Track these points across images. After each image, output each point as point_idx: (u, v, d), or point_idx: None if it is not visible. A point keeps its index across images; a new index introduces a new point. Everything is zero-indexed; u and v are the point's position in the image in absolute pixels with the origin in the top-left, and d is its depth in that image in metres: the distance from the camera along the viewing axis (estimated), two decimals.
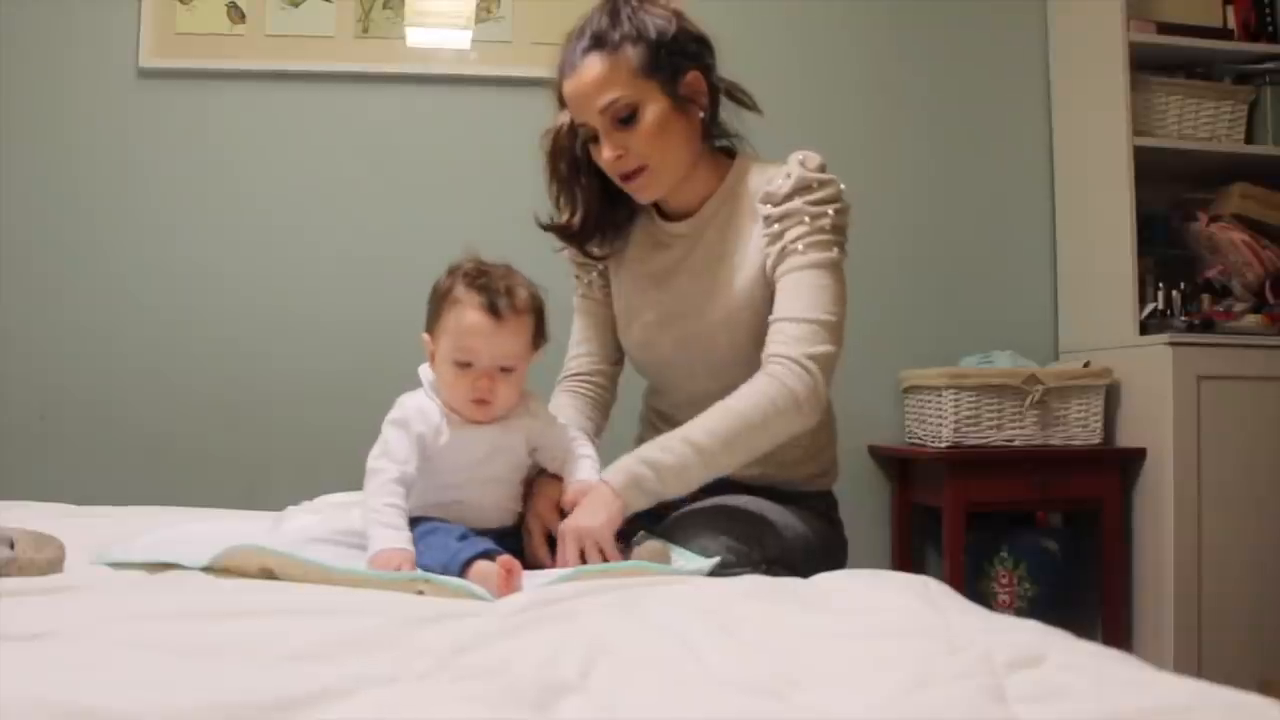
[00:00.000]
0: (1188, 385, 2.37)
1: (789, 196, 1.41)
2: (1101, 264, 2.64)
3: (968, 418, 2.47)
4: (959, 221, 2.85)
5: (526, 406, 1.34)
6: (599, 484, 1.28)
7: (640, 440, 1.57)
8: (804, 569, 1.22)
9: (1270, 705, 0.64)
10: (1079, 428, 2.51)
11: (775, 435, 1.35)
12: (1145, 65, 2.57)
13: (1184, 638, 2.33)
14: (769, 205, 1.43)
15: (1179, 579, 2.34)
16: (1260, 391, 2.40)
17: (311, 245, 2.67)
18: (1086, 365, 2.57)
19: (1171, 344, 2.39)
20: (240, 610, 0.92)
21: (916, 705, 0.67)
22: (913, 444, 2.66)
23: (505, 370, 1.27)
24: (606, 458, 1.37)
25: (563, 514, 1.30)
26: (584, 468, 1.34)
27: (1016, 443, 2.49)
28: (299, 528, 1.39)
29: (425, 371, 1.33)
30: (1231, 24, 2.67)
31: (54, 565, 1.12)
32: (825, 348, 1.36)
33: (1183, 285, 2.57)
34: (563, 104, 1.47)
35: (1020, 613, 2.49)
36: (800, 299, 1.38)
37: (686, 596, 1.01)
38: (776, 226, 1.42)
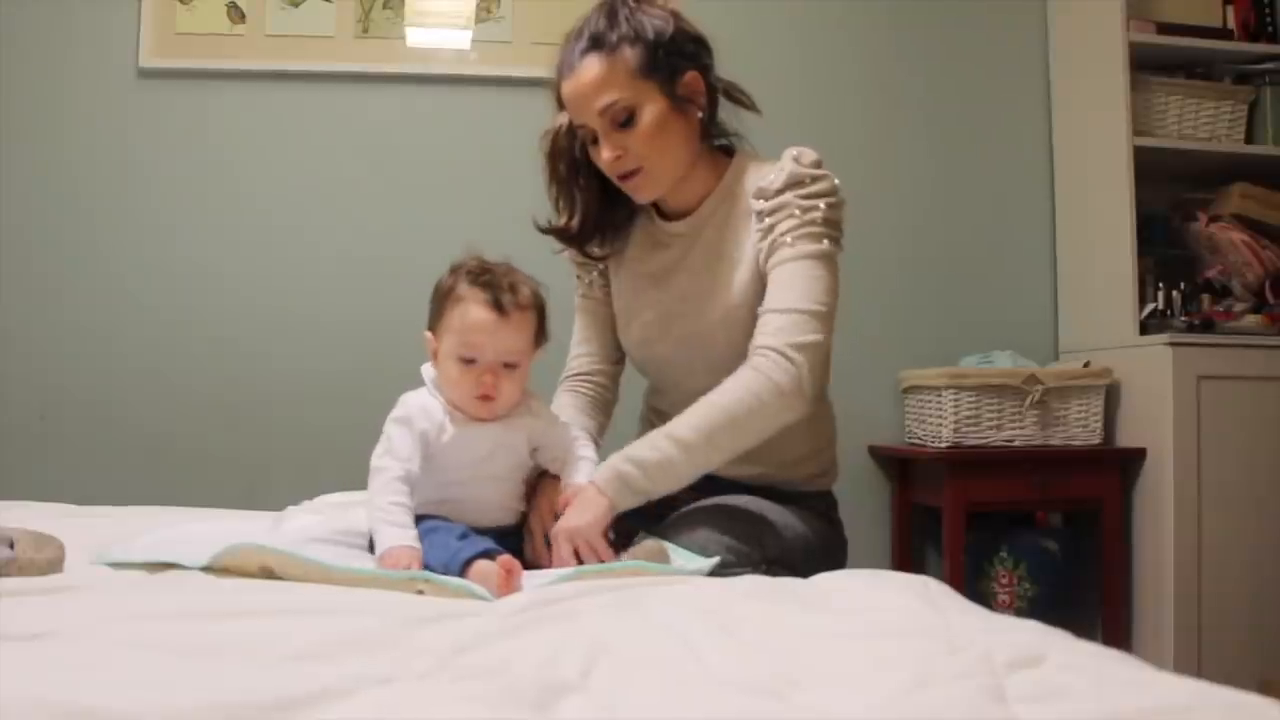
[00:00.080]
0: (1188, 385, 2.37)
1: (781, 191, 1.42)
2: (1101, 264, 2.64)
3: (968, 418, 2.47)
4: (959, 221, 2.85)
5: (528, 406, 1.34)
6: (586, 485, 1.29)
7: None
8: (804, 569, 1.22)
9: (1270, 705, 0.64)
10: (1079, 428, 2.51)
11: (761, 427, 1.34)
12: (1145, 65, 2.57)
13: (1184, 638, 2.33)
14: (762, 200, 1.43)
15: (1179, 579, 2.34)
16: (1260, 391, 2.40)
17: (311, 245, 2.67)
18: (1086, 365, 2.57)
19: (1171, 344, 2.39)
20: (240, 610, 0.92)
21: (916, 705, 0.67)
22: (913, 444, 2.66)
23: (509, 366, 1.28)
24: (609, 458, 1.37)
25: (557, 518, 1.30)
26: (582, 470, 1.34)
27: (1016, 443, 2.49)
28: (299, 528, 1.39)
29: (428, 370, 1.35)
30: (1231, 24, 2.67)
31: (54, 565, 1.12)
32: (812, 337, 1.35)
33: (1183, 285, 2.57)
34: (561, 105, 1.47)
35: (1020, 613, 2.49)
36: (788, 290, 1.38)
37: (687, 596, 1.01)
38: (768, 221, 1.42)
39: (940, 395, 2.50)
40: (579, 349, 1.66)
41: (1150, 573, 2.42)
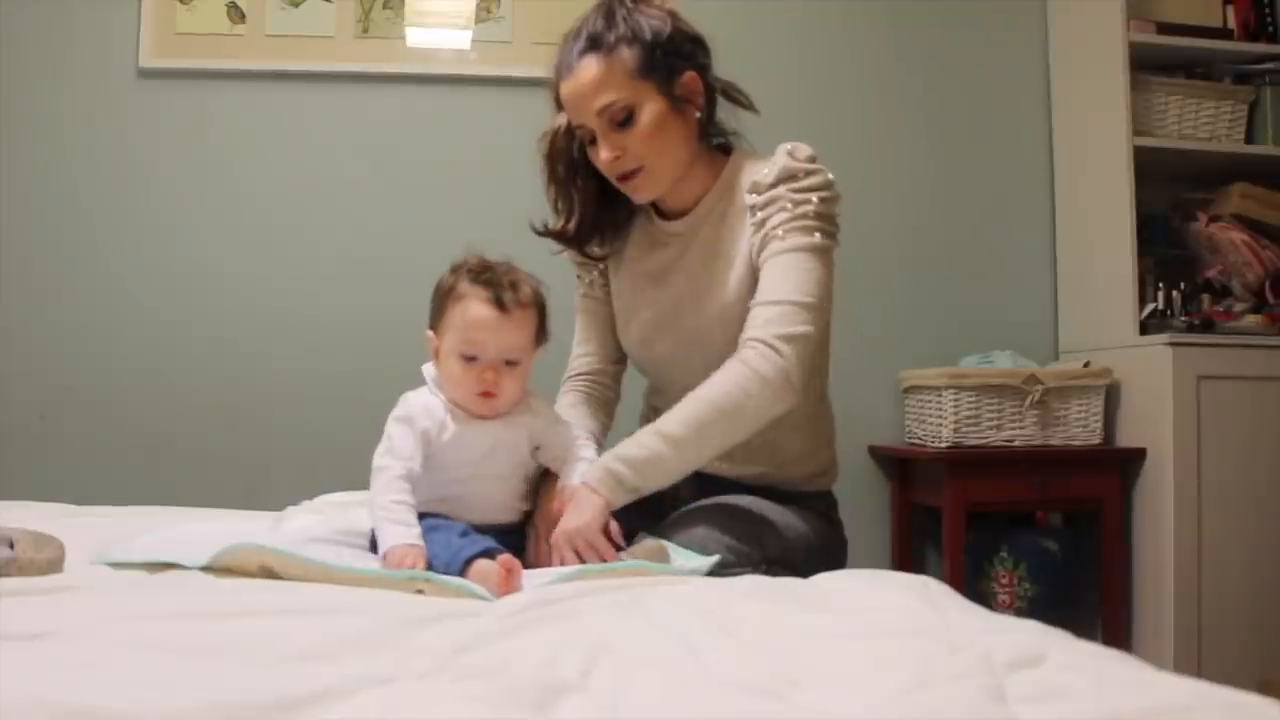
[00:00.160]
0: (1188, 385, 2.37)
1: (773, 185, 1.41)
2: (1101, 264, 2.64)
3: (968, 418, 2.47)
4: (959, 221, 2.85)
5: (529, 404, 1.35)
6: (579, 486, 1.29)
7: None
8: (804, 569, 1.22)
9: (1270, 705, 0.64)
10: (1079, 428, 2.51)
11: (749, 419, 1.33)
12: (1145, 65, 2.57)
13: (1184, 638, 2.33)
14: (755, 195, 1.43)
15: (1179, 579, 2.34)
16: (1260, 391, 2.40)
17: (311, 245, 2.67)
18: (1086, 365, 2.57)
19: (1171, 344, 2.39)
20: (240, 610, 0.92)
21: (916, 705, 0.67)
22: (913, 444, 2.66)
23: (510, 364, 1.29)
24: (600, 457, 1.37)
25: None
26: (579, 471, 1.34)
27: (1016, 443, 2.49)
28: (299, 527, 1.40)
29: (429, 369, 1.35)
30: (1231, 24, 2.66)
31: (54, 565, 1.12)
32: (800, 329, 1.34)
33: (1183, 285, 2.57)
34: (559, 106, 1.47)
35: (1020, 613, 2.49)
36: (777, 282, 1.38)
37: (687, 596, 1.01)
38: (760, 215, 1.42)
39: (940, 395, 2.50)
40: (580, 349, 1.66)
41: (1150, 573, 2.42)
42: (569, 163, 1.51)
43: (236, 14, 2.66)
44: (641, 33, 1.41)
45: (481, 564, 1.13)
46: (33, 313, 2.58)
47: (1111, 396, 2.55)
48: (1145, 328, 2.52)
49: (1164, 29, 2.59)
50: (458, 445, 1.29)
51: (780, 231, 1.39)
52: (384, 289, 2.62)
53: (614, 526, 1.27)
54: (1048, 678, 0.72)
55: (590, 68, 1.40)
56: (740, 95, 1.53)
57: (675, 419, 1.32)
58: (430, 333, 1.34)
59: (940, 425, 2.49)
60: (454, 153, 2.71)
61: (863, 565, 1.29)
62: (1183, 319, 2.49)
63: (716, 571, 1.22)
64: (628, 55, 1.40)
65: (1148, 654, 1.93)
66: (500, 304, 1.28)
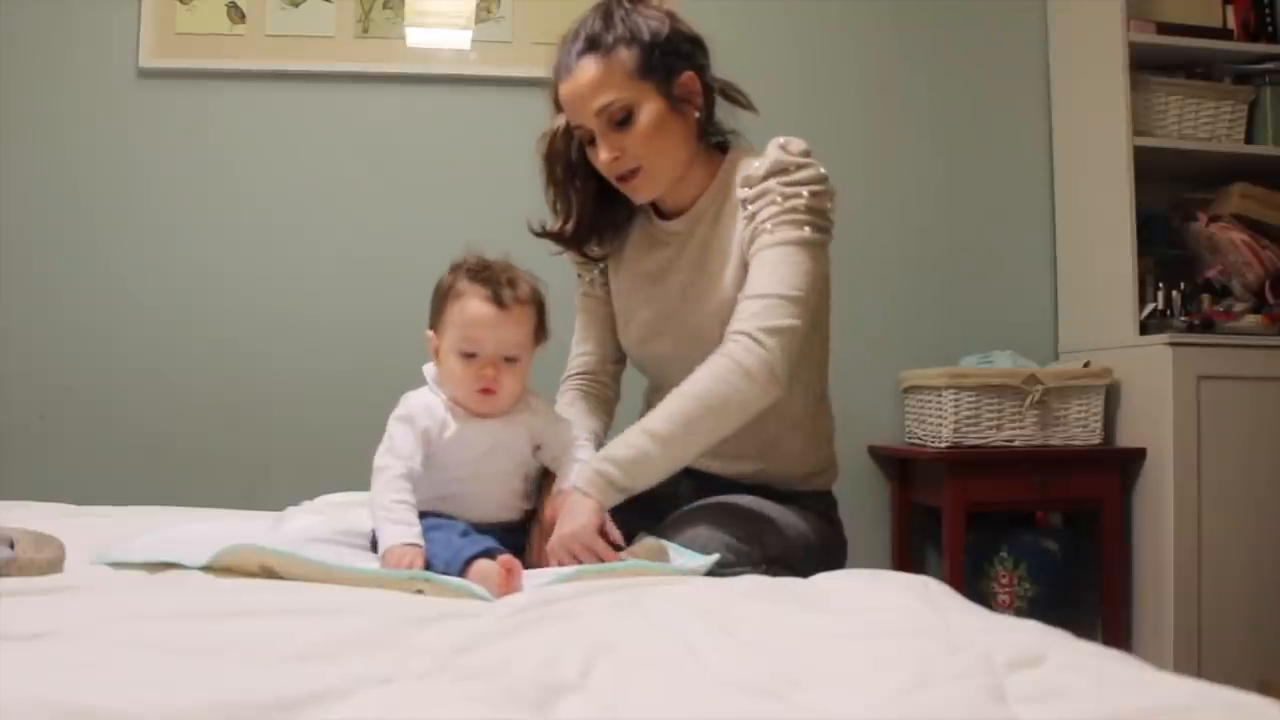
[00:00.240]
0: (1188, 385, 2.37)
1: (764, 178, 1.41)
2: (1101, 264, 2.64)
3: (968, 418, 2.47)
4: (959, 221, 2.85)
5: (528, 403, 1.36)
6: (568, 491, 1.29)
7: None
8: (804, 569, 1.22)
9: (1270, 705, 0.64)
10: (1079, 428, 2.51)
11: (733, 412, 1.33)
12: (1145, 65, 2.57)
13: (1184, 638, 2.33)
14: (746, 189, 1.44)
15: (1179, 579, 2.33)
16: (1260, 391, 2.40)
17: (311, 245, 2.67)
18: (1086, 365, 2.57)
19: (1171, 344, 2.39)
20: (240, 610, 0.92)
21: (916, 705, 0.67)
22: (913, 444, 2.66)
23: (509, 360, 1.29)
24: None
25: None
26: (575, 471, 1.34)
27: (1016, 443, 2.49)
28: (299, 528, 1.40)
29: (429, 369, 1.36)
30: (1231, 24, 2.66)
31: (54, 565, 1.12)
32: (785, 322, 1.34)
33: (1183, 285, 2.57)
34: (558, 107, 1.48)
35: (1020, 613, 2.49)
36: (764, 276, 1.37)
37: (687, 596, 1.01)
38: (750, 208, 1.42)
39: (940, 395, 2.50)
40: (580, 348, 1.66)
41: (1150, 573, 2.42)
42: (567, 164, 1.51)
43: (236, 14, 2.66)
44: (640, 33, 1.41)
45: (481, 564, 1.14)
46: (33, 313, 2.58)
47: (1111, 396, 2.55)
48: (1145, 328, 2.52)
49: (1164, 29, 2.59)
50: (458, 444, 1.29)
51: (769, 225, 1.39)
52: (384, 289, 2.62)
53: (610, 526, 1.27)
54: (1048, 678, 0.72)
55: (589, 68, 1.41)
56: (739, 95, 1.53)
57: (661, 416, 1.32)
58: (430, 332, 1.35)
59: (940, 425, 2.49)
60: (454, 153, 2.71)
61: (863, 565, 1.29)
62: (1183, 319, 2.49)
63: (716, 571, 1.22)
64: (626, 56, 1.40)
65: (1148, 654, 1.93)
66: (498, 301, 1.28)
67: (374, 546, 1.24)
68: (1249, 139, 2.65)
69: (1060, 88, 2.84)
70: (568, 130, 1.49)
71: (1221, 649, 2.32)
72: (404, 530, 1.20)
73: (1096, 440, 2.51)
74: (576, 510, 1.25)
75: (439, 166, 2.71)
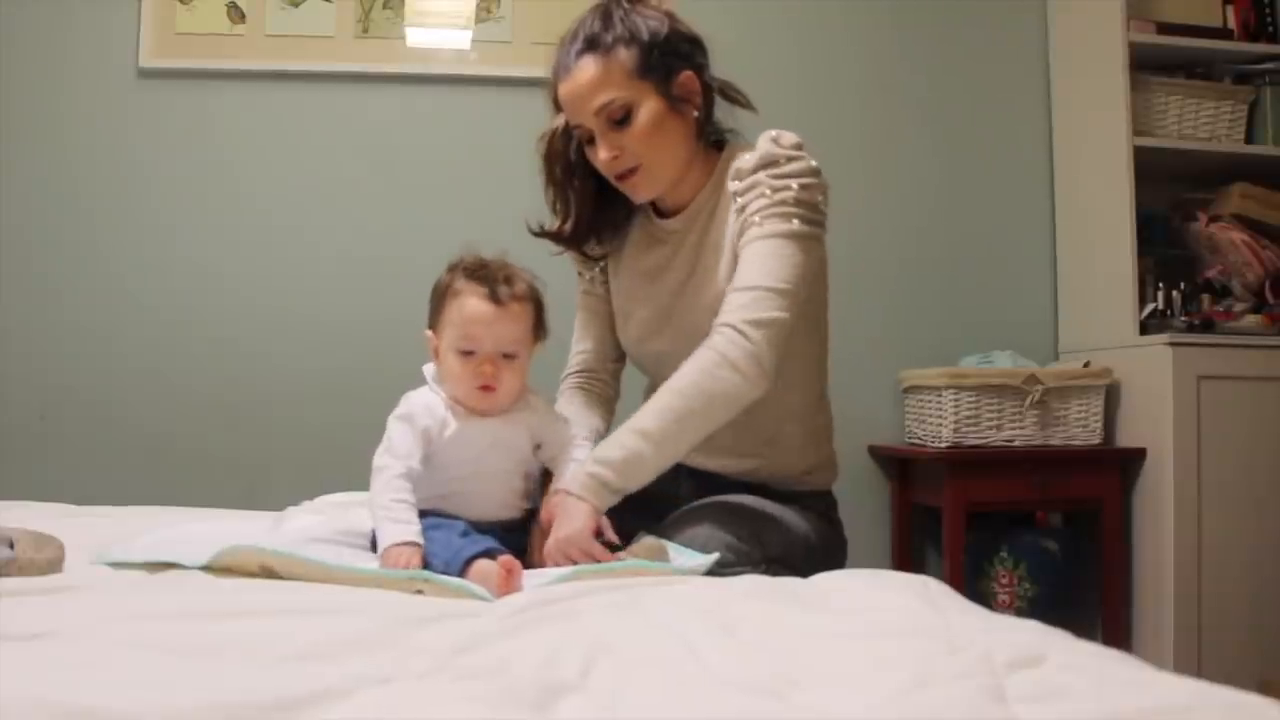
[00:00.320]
0: (1188, 385, 2.37)
1: (754, 171, 1.41)
2: (1101, 264, 2.64)
3: (968, 418, 2.47)
4: (959, 221, 2.85)
5: (528, 401, 1.36)
6: (561, 494, 1.28)
7: None
8: (804, 569, 1.22)
9: (1270, 705, 0.64)
10: (1079, 428, 2.51)
11: (720, 405, 1.32)
12: (1145, 65, 2.57)
13: (1184, 638, 2.33)
14: (737, 181, 1.44)
15: (1179, 579, 2.33)
16: (1260, 391, 2.40)
17: (311, 245, 2.67)
18: (1086, 365, 2.57)
19: (1171, 344, 2.39)
20: (240, 610, 0.92)
21: (916, 705, 0.67)
22: (913, 444, 2.66)
23: (508, 357, 1.30)
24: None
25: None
26: (571, 471, 1.34)
27: (1016, 443, 2.49)
28: (299, 528, 1.40)
29: (429, 369, 1.36)
30: (1231, 24, 2.66)
31: (54, 565, 1.12)
32: (771, 314, 1.34)
33: (1183, 285, 2.57)
34: (558, 107, 1.48)
35: (1020, 613, 2.49)
36: (752, 268, 1.37)
37: (687, 596, 1.01)
38: (740, 201, 1.42)
39: (940, 395, 2.50)
40: (580, 346, 1.67)
41: (1150, 573, 2.42)
42: (566, 164, 1.52)
43: (236, 14, 2.66)
44: (639, 33, 1.41)
45: (481, 564, 1.14)
46: (33, 313, 2.58)
47: (1111, 396, 2.55)
48: (1145, 328, 2.52)
49: (1164, 29, 2.59)
50: (459, 442, 1.29)
51: (758, 218, 1.39)
52: (384, 289, 2.62)
53: (606, 527, 1.27)
54: (1048, 678, 0.72)
55: (588, 68, 1.41)
56: (738, 95, 1.53)
57: (651, 413, 1.32)
58: (429, 332, 1.35)
59: (940, 425, 2.49)
60: (454, 153, 2.71)
61: (863, 565, 1.29)
62: (1183, 319, 2.49)
63: (716, 571, 1.21)
64: (625, 55, 1.41)
65: (1148, 654, 1.93)
66: (495, 298, 1.29)
67: (374, 547, 1.24)
68: (1249, 139, 2.65)
69: (1060, 88, 2.84)
70: (567, 130, 1.49)
71: (1221, 649, 2.32)
72: (403, 529, 1.20)
73: (1096, 440, 2.51)
74: (572, 514, 1.25)
75: (439, 166, 2.71)
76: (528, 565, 1.21)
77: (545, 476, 1.40)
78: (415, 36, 2.71)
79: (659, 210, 1.56)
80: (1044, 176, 2.87)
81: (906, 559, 2.68)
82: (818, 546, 1.48)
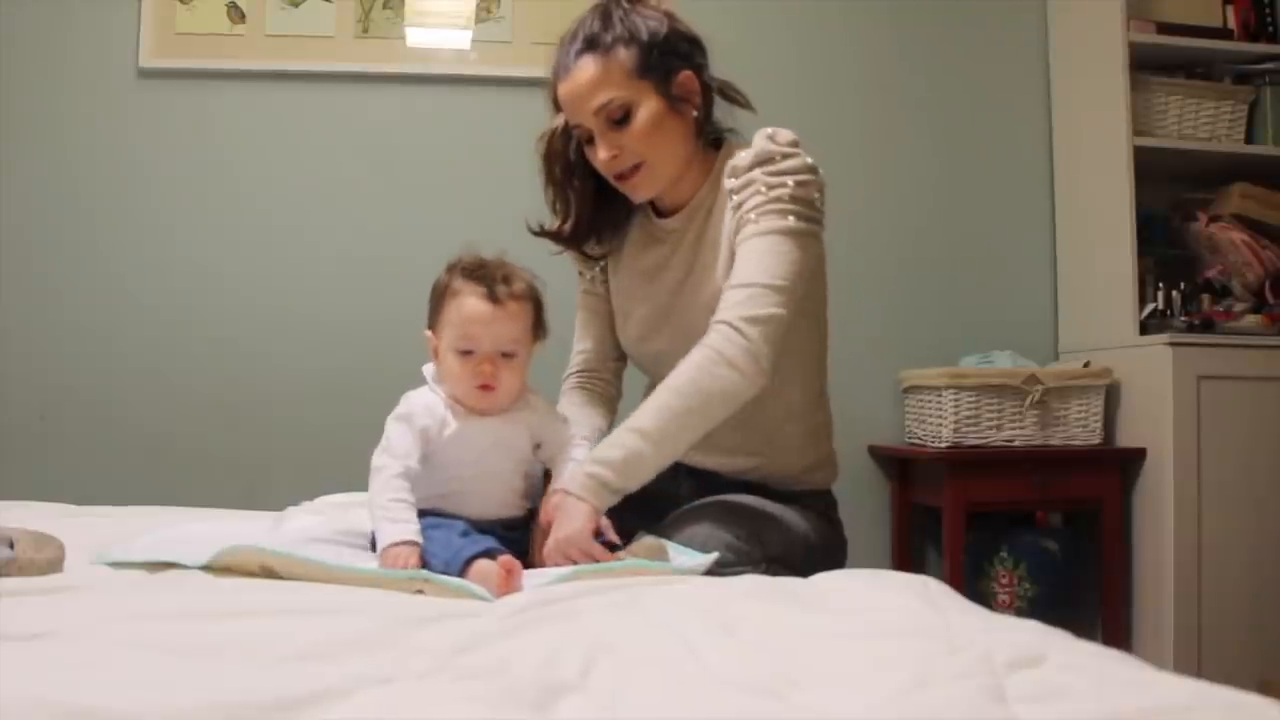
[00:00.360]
0: (1188, 385, 2.37)
1: (749, 168, 1.41)
2: (1101, 264, 2.64)
3: (968, 418, 2.47)
4: (959, 221, 2.85)
5: (528, 400, 1.36)
6: (561, 495, 1.28)
7: None
8: (804, 568, 1.22)
9: (1270, 705, 0.64)
10: (1079, 428, 2.51)
11: (718, 403, 1.32)
12: (1145, 65, 2.57)
13: (1184, 638, 2.33)
14: (733, 179, 1.44)
15: (1179, 579, 2.33)
16: (1260, 391, 2.40)
17: (311, 245, 2.67)
18: (1086, 365, 2.57)
19: (1171, 344, 2.39)
20: (240, 610, 0.92)
21: (916, 705, 0.67)
22: (913, 444, 2.66)
23: (506, 356, 1.30)
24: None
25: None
26: (569, 471, 1.34)
27: (1016, 443, 2.49)
28: (299, 528, 1.40)
29: (429, 369, 1.36)
30: (1231, 24, 2.66)
31: (54, 565, 1.12)
32: (768, 311, 1.33)
33: (1183, 285, 2.57)
34: (557, 107, 1.48)
35: (1020, 613, 2.49)
36: (749, 265, 1.37)
37: (686, 596, 1.01)
38: (735, 198, 1.43)
39: (940, 395, 2.50)
40: (581, 345, 1.67)
41: (1150, 573, 2.42)
42: (566, 164, 1.52)
43: (236, 14, 2.66)
44: (638, 33, 1.42)
45: (481, 564, 1.14)
46: (33, 313, 2.58)
47: (1111, 396, 2.55)
48: (1145, 328, 2.52)
49: (1164, 29, 2.59)
50: (459, 442, 1.30)
51: (754, 215, 1.39)
52: (384, 289, 2.62)
53: (607, 528, 1.27)
54: (1048, 678, 0.72)
55: (587, 68, 1.41)
56: (737, 94, 1.53)
57: (648, 412, 1.31)
58: (429, 332, 1.35)
59: (940, 425, 2.49)
60: (454, 153, 2.71)
61: (863, 565, 1.29)
62: (1183, 319, 2.49)
63: (716, 570, 1.21)
64: (624, 55, 1.41)
65: (1148, 654, 1.93)
66: (493, 297, 1.29)
67: (374, 547, 1.24)
68: (1249, 139, 2.65)
69: (1060, 88, 2.84)
70: (566, 130, 1.49)
71: (1221, 649, 2.32)
72: (401, 528, 1.20)
73: (1096, 440, 2.51)
74: (571, 514, 1.25)
75: (439, 166, 2.71)
76: (528, 565, 1.21)
77: (546, 476, 1.40)
78: (415, 36, 2.71)
79: (658, 209, 1.56)
80: (1044, 176, 2.87)
81: (906, 559, 2.68)
82: (818, 546, 1.48)
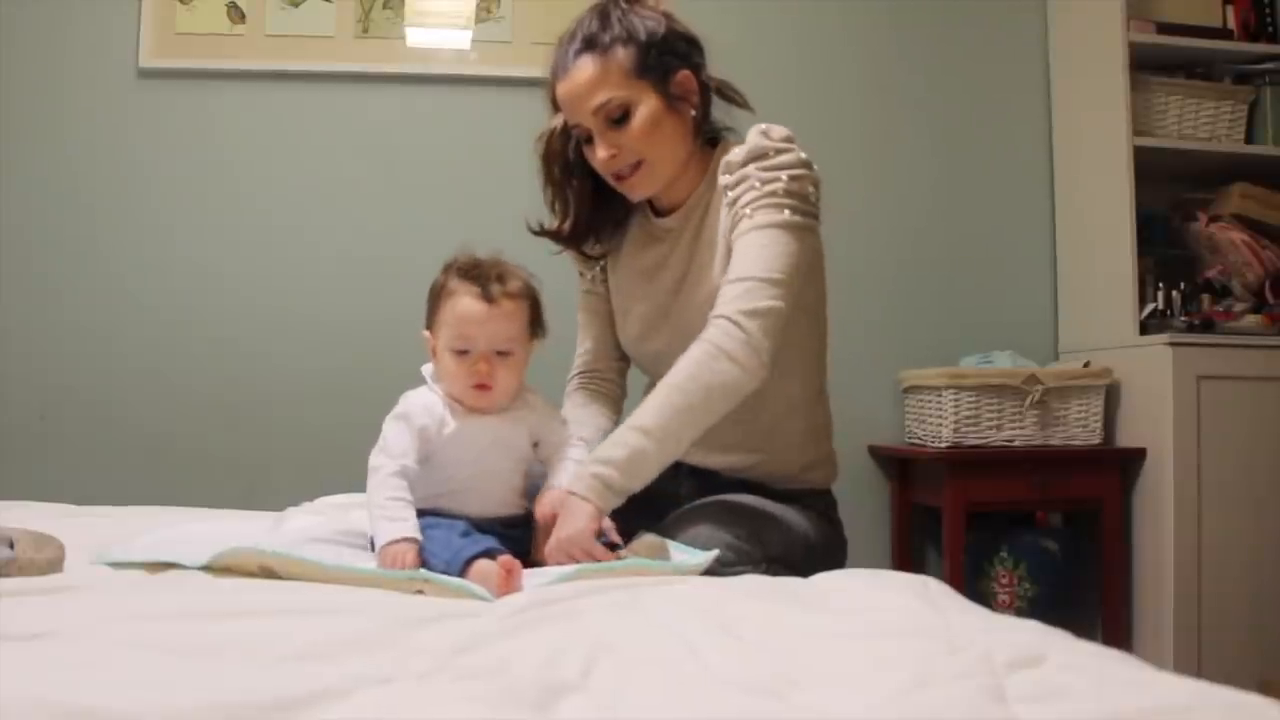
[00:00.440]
0: (1188, 385, 2.37)
1: (743, 164, 1.42)
2: (1101, 264, 2.64)
3: (968, 418, 2.47)
4: (959, 221, 2.85)
5: (526, 399, 1.36)
6: (565, 494, 1.28)
7: None
8: (804, 568, 1.22)
9: (1270, 705, 0.64)
10: (1079, 428, 2.51)
11: (718, 397, 1.32)
12: (1145, 65, 2.57)
13: (1184, 638, 2.33)
14: (727, 175, 1.44)
15: (1179, 579, 2.34)
16: (1260, 391, 2.40)
17: (311, 245, 2.67)
18: (1086, 365, 2.57)
19: (1171, 344, 2.39)
20: (240, 610, 0.92)
21: (916, 705, 0.67)
22: (913, 444, 2.66)
23: (502, 355, 1.30)
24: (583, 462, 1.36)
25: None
26: (565, 471, 1.34)
27: (1016, 443, 2.49)
28: (299, 528, 1.40)
29: (428, 369, 1.36)
30: (1231, 24, 2.66)
31: (54, 565, 1.12)
32: (765, 303, 1.34)
33: (1183, 285, 2.57)
34: (556, 107, 1.48)
35: (1020, 613, 2.49)
36: (746, 259, 1.38)
37: (687, 596, 1.01)
38: (731, 195, 1.43)
39: (940, 395, 2.50)
40: (584, 346, 1.67)
41: (1150, 573, 2.42)
42: (565, 164, 1.53)
43: (236, 14, 2.66)
44: (636, 33, 1.42)
45: (481, 564, 1.14)
46: (33, 313, 2.58)
47: (1111, 396, 2.55)
48: (1145, 328, 2.52)
49: (1164, 29, 2.59)
50: (458, 441, 1.30)
51: (749, 210, 1.40)
52: (384, 289, 2.62)
53: (609, 526, 1.27)
54: (1048, 678, 0.72)
55: (586, 68, 1.42)
56: (735, 94, 1.54)
57: (650, 410, 1.32)
58: (427, 333, 1.35)
59: (940, 425, 2.49)
60: (454, 153, 2.71)
61: (863, 565, 1.29)
62: (1183, 319, 2.49)
63: (717, 570, 1.21)
64: (623, 55, 1.42)
65: (1148, 654, 1.93)
66: (487, 296, 1.29)
67: (373, 547, 1.24)
68: (1249, 139, 2.65)
69: (1060, 88, 2.84)
70: (565, 130, 1.50)
71: (1221, 649, 2.32)
72: (399, 526, 1.20)
73: (1096, 440, 2.51)
74: (574, 514, 1.25)
75: (439, 166, 2.71)
76: (529, 564, 1.21)
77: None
78: (415, 36, 2.71)
79: (656, 209, 1.57)
80: (1044, 176, 2.87)
81: (906, 559, 2.68)
82: (818, 546, 1.48)
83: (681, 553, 1.28)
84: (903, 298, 2.81)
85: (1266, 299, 2.56)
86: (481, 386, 1.29)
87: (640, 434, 1.29)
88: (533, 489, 1.39)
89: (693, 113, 1.47)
